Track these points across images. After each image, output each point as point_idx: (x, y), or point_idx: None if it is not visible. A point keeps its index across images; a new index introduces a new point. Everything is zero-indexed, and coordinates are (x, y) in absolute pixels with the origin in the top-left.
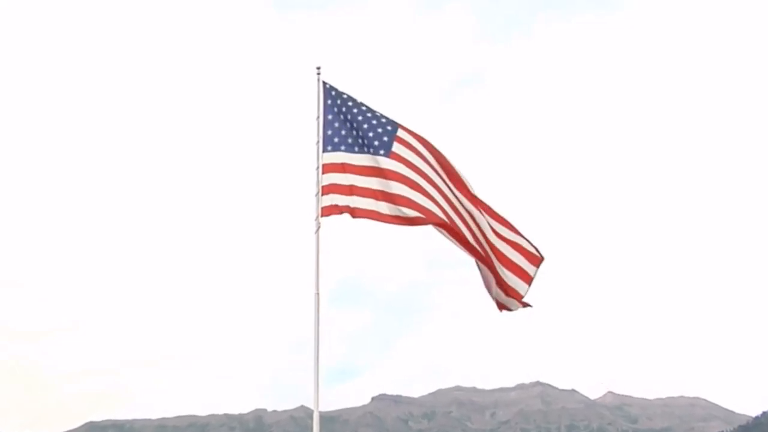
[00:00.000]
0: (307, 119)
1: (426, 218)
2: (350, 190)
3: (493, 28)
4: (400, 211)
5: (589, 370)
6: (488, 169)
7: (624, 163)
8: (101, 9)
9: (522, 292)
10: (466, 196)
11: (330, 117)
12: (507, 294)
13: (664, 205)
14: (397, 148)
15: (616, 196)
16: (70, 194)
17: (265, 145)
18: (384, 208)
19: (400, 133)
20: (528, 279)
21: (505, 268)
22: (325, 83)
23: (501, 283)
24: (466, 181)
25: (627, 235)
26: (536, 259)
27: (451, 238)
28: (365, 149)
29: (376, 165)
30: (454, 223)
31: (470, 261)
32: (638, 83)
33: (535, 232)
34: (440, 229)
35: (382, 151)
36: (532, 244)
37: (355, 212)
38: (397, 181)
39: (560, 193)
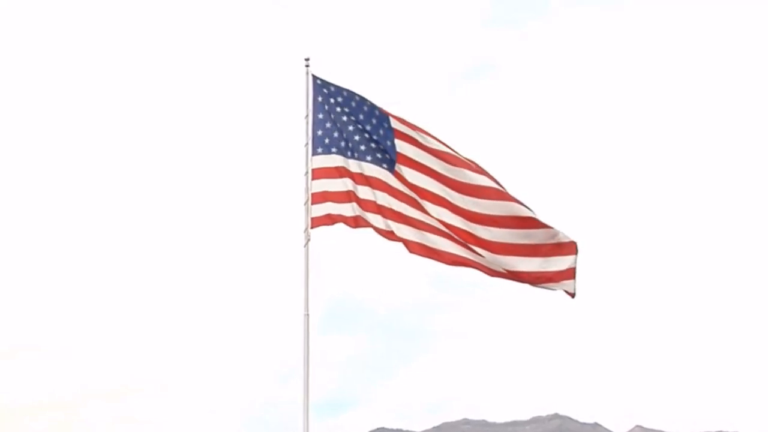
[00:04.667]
0: (296, 118)
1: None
2: (347, 197)
3: (505, 11)
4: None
5: (614, 401)
6: (501, 165)
7: (648, 160)
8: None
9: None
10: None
11: (321, 116)
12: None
13: (696, 219)
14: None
15: (642, 198)
16: (40, 209)
17: (249, 147)
18: (383, 223)
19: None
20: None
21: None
22: (315, 77)
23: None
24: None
25: (658, 248)
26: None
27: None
28: (361, 156)
29: (375, 176)
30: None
31: (478, 280)
32: (662, 69)
33: None
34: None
35: (385, 165)
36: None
37: (358, 222)
38: (401, 200)
39: (581, 193)
